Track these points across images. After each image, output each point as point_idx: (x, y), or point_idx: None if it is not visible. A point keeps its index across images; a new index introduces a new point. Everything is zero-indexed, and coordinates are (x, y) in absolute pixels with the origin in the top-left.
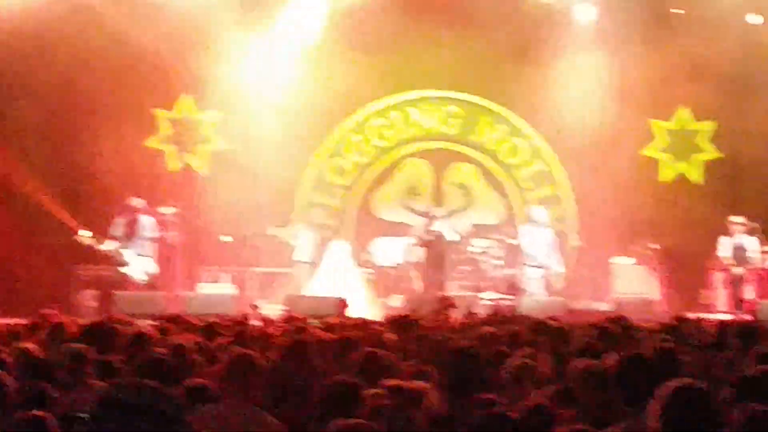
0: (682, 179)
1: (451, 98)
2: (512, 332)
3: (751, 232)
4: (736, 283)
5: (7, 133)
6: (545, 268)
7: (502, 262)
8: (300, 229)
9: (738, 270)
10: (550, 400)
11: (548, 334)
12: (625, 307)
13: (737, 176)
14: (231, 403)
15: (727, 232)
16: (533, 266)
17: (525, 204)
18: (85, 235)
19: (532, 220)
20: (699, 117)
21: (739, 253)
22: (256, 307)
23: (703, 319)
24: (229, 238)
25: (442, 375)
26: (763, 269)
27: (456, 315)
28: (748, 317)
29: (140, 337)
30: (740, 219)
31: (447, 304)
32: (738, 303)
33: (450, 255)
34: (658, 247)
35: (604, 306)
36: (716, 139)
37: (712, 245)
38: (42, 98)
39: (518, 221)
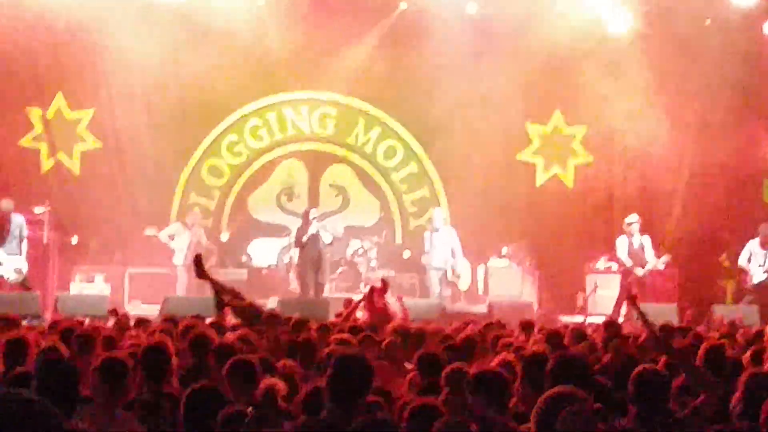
0: (555, 182)
1: (326, 100)
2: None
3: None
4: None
5: None
6: (449, 270)
7: (376, 263)
8: (177, 229)
9: (639, 271)
10: None
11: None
12: (499, 309)
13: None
14: (101, 406)
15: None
16: (436, 269)
17: (400, 205)
18: None
19: (432, 221)
20: (571, 121)
21: (639, 253)
22: None
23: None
24: (152, 231)
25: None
26: (657, 271)
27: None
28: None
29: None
30: (635, 217)
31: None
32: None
33: (326, 256)
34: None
35: (480, 308)
36: (586, 142)
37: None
38: None
39: (394, 223)
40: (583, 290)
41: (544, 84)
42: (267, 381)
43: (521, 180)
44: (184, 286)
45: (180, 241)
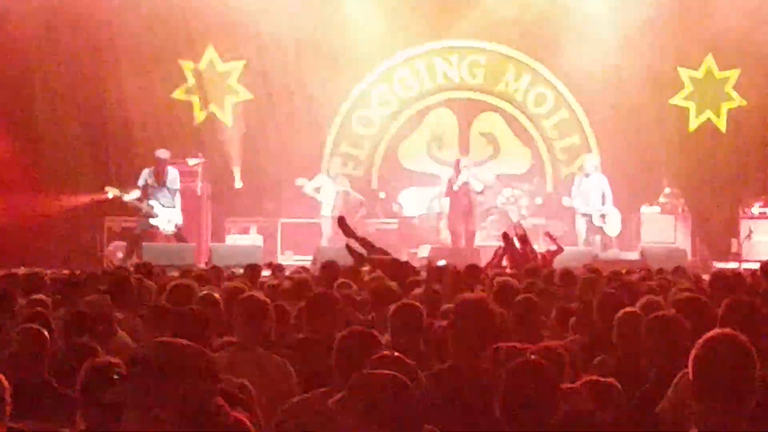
0: (708, 127)
1: (475, 48)
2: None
3: None
4: None
5: (37, 97)
6: (600, 217)
7: (527, 212)
8: (322, 181)
9: None
10: None
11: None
12: (652, 256)
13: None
14: (244, 348)
15: None
16: (583, 215)
17: (551, 153)
18: (111, 190)
19: (584, 168)
20: (723, 65)
21: None
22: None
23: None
24: (302, 182)
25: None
26: None
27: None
28: None
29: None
30: None
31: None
32: None
33: (476, 205)
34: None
35: (632, 255)
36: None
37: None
38: (69, 59)
39: (544, 170)
40: (737, 236)
41: (696, 27)
42: None
43: (673, 125)
44: (327, 238)
45: (326, 193)
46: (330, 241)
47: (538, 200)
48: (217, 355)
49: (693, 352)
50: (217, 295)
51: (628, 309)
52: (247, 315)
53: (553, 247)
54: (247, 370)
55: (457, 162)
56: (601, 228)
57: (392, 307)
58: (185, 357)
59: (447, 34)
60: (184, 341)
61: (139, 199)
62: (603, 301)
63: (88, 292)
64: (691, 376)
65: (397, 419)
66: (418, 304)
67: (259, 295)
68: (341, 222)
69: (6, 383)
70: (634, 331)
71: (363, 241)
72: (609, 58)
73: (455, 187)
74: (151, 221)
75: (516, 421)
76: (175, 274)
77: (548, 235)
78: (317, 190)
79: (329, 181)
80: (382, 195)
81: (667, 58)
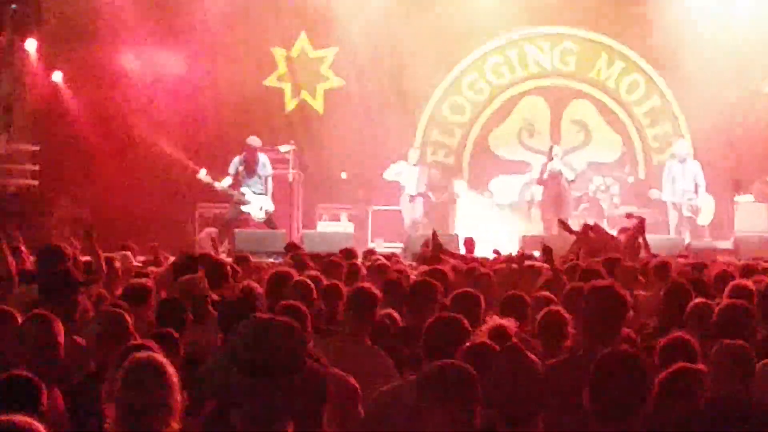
0: None
1: (567, 34)
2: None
3: None
4: None
5: (126, 87)
6: (689, 207)
7: (619, 200)
8: (401, 167)
9: None
10: None
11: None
12: (746, 245)
13: None
14: (346, 338)
15: None
16: (674, 203)
17: (643, 140)
18: (204, 175)
19: (676, 154)
20: None
21: None
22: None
23: None
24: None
25: None
26: None
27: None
28: None
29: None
30: None
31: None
32: None
33: (568, 193)
34: None
35: (725, 244)
36: None
37: None
38: (160, 42)
39: (636, 158)
40: None
41: None
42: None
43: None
44: (411, 220)
45: (408, 176)
46: (413, 223)
47: (630, 179)
48: (325, 343)
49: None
50: (310, 283)
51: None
52: (357, 307)
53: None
54: (356, 362)
55: (550, 149)
56: (690, 218)
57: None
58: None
59: (539, 21)
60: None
61: (231, 186)
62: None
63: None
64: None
65: (467, 409)
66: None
67: (370, 286)
68: (433, 238)
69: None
70: None
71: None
72: (700, 46)
73: (545, 175)
74: (243, 208)
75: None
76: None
77: (628, 216)
78: (398, 174)
79: (408, 166)
80: (343, 175)
81: (753, 47)
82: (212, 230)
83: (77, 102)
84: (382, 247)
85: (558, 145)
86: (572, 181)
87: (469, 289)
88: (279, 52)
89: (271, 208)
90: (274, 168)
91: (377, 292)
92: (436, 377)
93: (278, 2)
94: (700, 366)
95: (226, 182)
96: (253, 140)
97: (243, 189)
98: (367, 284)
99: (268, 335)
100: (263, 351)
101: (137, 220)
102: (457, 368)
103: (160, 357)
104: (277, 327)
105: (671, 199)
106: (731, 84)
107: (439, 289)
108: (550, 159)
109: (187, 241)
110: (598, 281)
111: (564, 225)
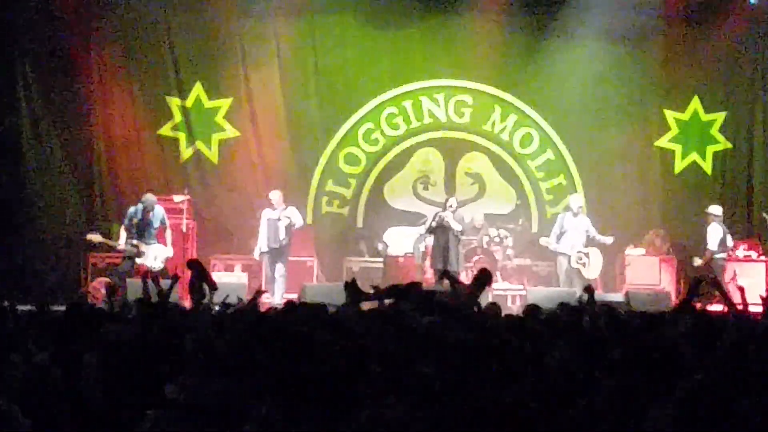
0: (693, 169)
1: (461, 87)
2: None
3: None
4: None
5: (24, 134)
6: (574, 256)
7: (512, 252)
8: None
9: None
10: None
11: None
12: (636, 298)
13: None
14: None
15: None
16: (564, 255)
17: (536, 194)
18: (94, 236)
19: (570, 207)
20: (709, 108)
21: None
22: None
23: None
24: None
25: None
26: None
27: None
28: None
29: None
30: (720, 209)
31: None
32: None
33: (455, 245)
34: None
35: (616, 298)
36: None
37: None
38: (55, 93)
39: (530, 210)
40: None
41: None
42: None
43: (658, 167)
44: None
45: (268, 227)
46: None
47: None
48: None
49: None
50: None
51: None
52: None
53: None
54: None
55: (446, 201)
56: (578, 270)
57: None
58: None
59: (433, 74)
60: None
61: (125, 239)
62: None
63: None
64: None
65: None
66: None
67: None
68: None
69: None
70: None
71: None
72: (596, 98)
73: (433, 225)
74: (138, 260)
75: None
76: None
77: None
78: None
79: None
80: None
81: (653, 100)
82: (105, 280)
83: None
84: (279, 297)
85: (455, 197)
86: (460, 232)
87: None
88: (174, 102)
89: (168, 253)
90: (168, 218)
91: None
92: None
93: (174, 51)
94: None
95: (121, 239)
96: (149, 197)
97: (137, 241)
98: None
99: None
100: None
101: (28, 270)
102: None
103: None
104: None
105: (562, 250)
106: (623, 137)
107: None
108: (443, 210)
109: (77, 291)
110: None
111: (449, 277)
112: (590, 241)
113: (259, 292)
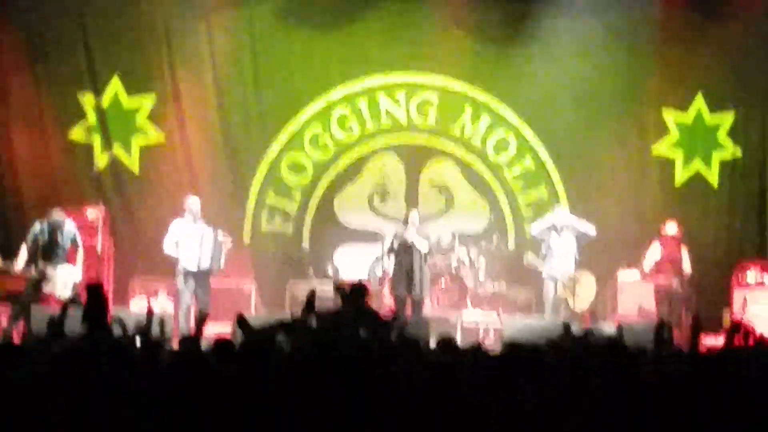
0: (697, 181)
1: (426, 84)
2: None
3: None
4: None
5: None
6: (569, 282)
7: (485, 276)
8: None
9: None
10: None
11: None
12: (630, 330)
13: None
14: None
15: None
16: (552, 279)
17: (512, 208)
18: None
19: (554, 224)
20: (715, 107)
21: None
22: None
23: None
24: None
25: None
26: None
27: None
28: None
29: None
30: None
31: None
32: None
33: (422, 268)
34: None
35: (607, 327)
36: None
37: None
38: None
39: (506, 227)
40: (730, 306)
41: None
42: None
43: (656, 177)
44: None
45: (187, 245)
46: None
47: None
48: None
49: None
50: None
51: None
52: None
53: None
54: None
55: (406, 216)
56: (566, 300)
57: None
58: None
59: (392, 68)
60: None
61: (28, 263)
62: None
63: None
64: None
65: None
66: None
67: None
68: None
69: None
70: None
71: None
72: (583, 97)
73: (396, 245)
74: (43, 287)
75: None
76: None
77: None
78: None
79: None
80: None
81: (650, 98)
82: (4, 309)
83: None
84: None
85: (417, 212)
86: (427, 253)
87: None
88: (87, 99)
89: (78, 278)
90: (81, 236)
91: None
92: None
93: (87, 38)
94: None
95: (21, 261)
96: (57, 214)
97: (42, 263)
98: None
99: None
100: None
101: None
102: None
103: None
104: None
105: (553, 273)
106: (615, 142)
107: None
108: (403, 228)
109: None
110: None
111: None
112: (579, 264)
113: (202, 319)
